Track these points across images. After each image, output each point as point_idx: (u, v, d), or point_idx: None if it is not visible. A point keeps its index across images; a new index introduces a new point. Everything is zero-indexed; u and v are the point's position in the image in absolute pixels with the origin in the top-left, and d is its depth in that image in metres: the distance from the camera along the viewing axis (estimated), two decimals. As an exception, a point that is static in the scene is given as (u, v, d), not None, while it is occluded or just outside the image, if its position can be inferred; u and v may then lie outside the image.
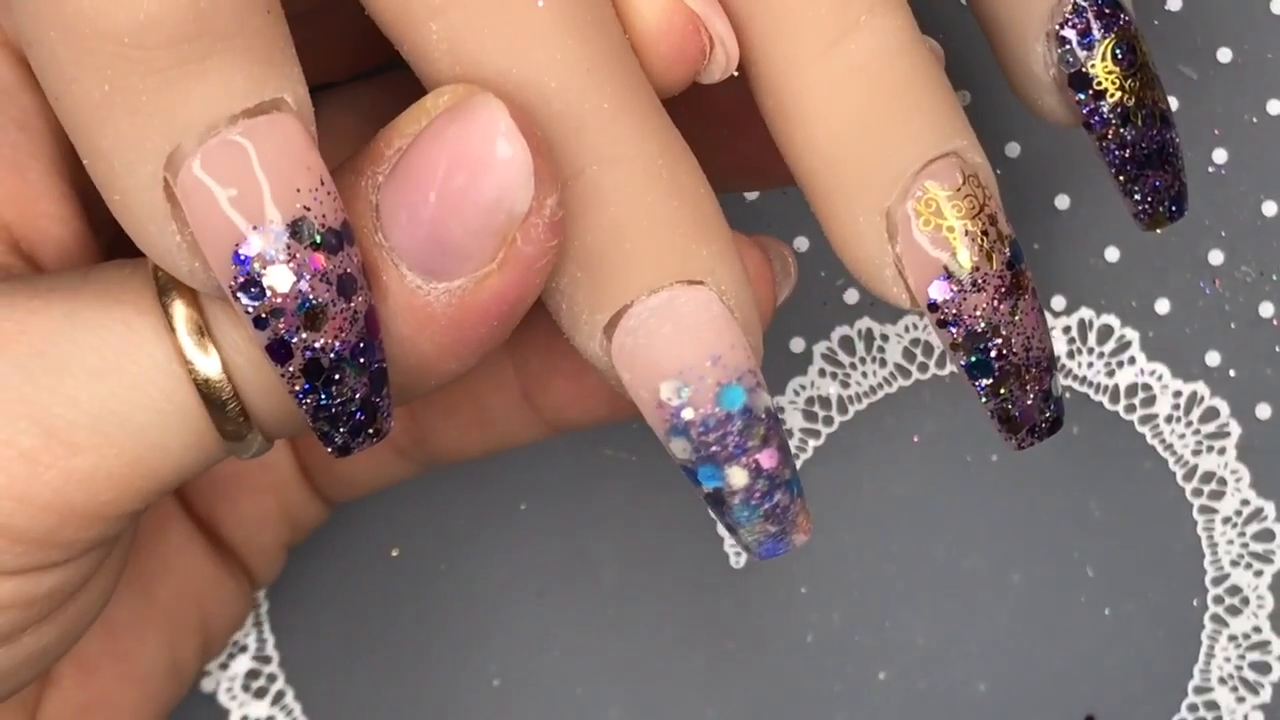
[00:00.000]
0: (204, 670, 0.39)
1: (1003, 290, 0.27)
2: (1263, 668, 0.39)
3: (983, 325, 0.27)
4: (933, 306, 0.27)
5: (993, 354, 0.28)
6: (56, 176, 0.29)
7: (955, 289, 0.27)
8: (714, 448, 0.26)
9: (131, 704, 0.34)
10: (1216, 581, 0.39)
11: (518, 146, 0.24)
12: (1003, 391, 0.28)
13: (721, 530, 0.39)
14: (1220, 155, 0.38)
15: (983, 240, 0.27)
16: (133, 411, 0.25)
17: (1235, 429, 0.38)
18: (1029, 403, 0.28)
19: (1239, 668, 0.38)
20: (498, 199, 0.24)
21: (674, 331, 0.26)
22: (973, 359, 0.28)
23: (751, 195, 0.38)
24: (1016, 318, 0.28)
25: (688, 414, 0.26)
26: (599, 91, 0.25)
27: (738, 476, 0.27)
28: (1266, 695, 0.38)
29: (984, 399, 0.28)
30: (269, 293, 0.23)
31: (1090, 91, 0.29)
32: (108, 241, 0.30)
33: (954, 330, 0.28)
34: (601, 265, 0.26)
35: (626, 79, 0.26)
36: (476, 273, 0.25)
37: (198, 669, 0.36)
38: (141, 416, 0.25)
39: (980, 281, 0.27)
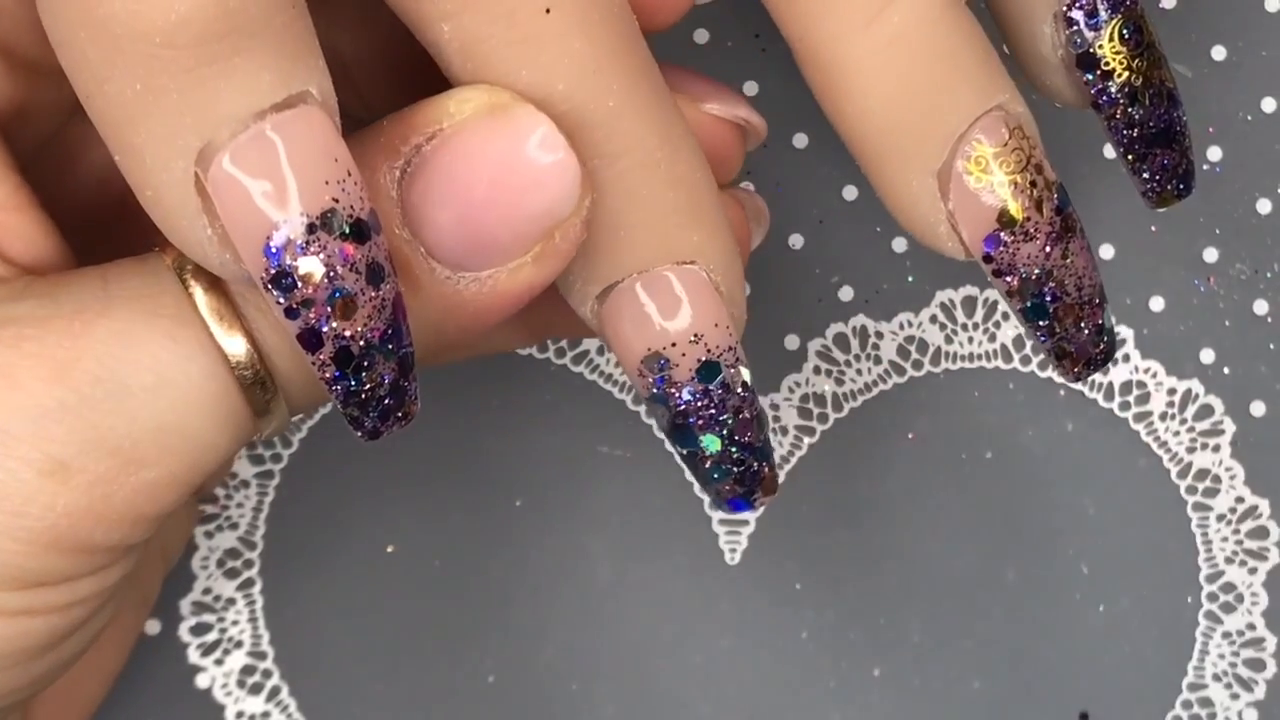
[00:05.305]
0: (199, 666, 0.39)
1: (1053, 236, 0.29)
2: (1257, 664, 0.39)
3: (1037, 272, 0.29)
4: (987, 258, 0.29)
5: (1048, 298, 0.29)
6: (3, 167, 0.29)
7: (1008, 239, 0.28)
8: (691, 417, 0.28)
9: (114, 642, 0.36)
10: (1211, 579, 0.39)
11: (567, 155, 0.25)
12: (1058, 330, 0.29)
13: (716, 526, 0.39)
14: (1215, 153, 0.38)
15: (1031, 190, 0.28)
16: (189, 420, 0.26)
17: (1230, 426, 0.39)
18: (1084, 338, 0.30)
19: (1233, 665, 0.39)
20: (549, 209, 0.26)
21: (660, 307, 0.27)
22: (1029, 304, 0.29)
23: (748, 189, 0.38)
24: (1068, 260, 0.29)
25: (667, 385, 0.28)
26: (605, 90, 0.26)
27: (712, 443, 0.28)
28: (1260, 692, 0.39)
29: (1041, 339, 0.30)
30: (300, 283, 0.23)
31: (1098, 71, 0.30)
32: (65, 222, 0.30)
33: (1009, 279, 0.29)
34: (598, 245, 0.27)
35: (632, 72, 0.27)
36: (509, 264, 0.26)
37: (160, 589, 0.38)
38: (197, 422, 0.26)
39: (1032, 230, 0.28)
